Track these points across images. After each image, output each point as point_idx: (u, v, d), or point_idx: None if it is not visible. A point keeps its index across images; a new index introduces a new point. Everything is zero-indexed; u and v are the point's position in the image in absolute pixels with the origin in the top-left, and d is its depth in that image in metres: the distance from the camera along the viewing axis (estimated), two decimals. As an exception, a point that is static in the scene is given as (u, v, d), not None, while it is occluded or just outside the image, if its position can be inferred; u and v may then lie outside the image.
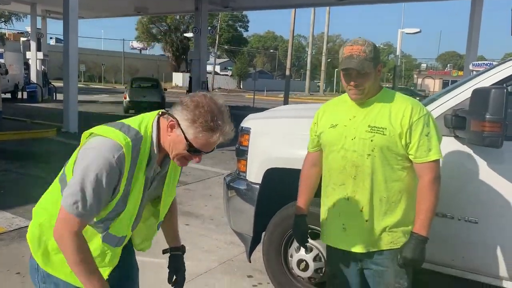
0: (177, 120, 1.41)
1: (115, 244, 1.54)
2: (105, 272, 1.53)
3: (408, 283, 1.96)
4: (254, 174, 3.18)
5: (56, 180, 1.57)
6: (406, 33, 25.25)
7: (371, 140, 1.90)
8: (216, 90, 43.93)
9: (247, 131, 3.25)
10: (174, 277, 1.88)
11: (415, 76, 54.33)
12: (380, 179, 1.91)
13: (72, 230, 1.37)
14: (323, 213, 2.13)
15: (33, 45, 20.60)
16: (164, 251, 1.93)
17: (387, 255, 1.94)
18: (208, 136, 1.40)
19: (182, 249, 1.95)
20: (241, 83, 53.11)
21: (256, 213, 3.15)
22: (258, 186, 3.14)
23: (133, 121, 1.48)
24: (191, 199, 5.66)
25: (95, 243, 1.51)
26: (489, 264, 2.48)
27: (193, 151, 1.43)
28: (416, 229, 1.90)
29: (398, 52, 27.08)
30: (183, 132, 1.40)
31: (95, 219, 1.47)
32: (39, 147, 8.74)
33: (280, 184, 3.18)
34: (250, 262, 3.38)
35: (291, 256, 3.00)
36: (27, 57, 21.15)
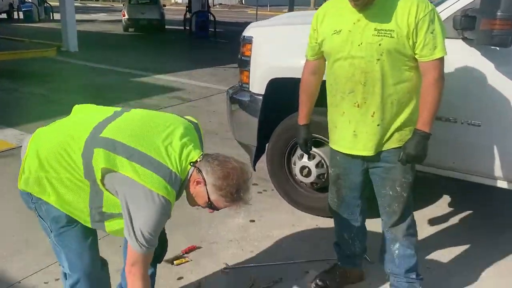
0: (205, 182, 1.55)
1: (95, 226, 1.69)
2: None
3: (412, 177, 2.03)
4: (257, 85, 3.15)
5: (82, 179, 1.59)
6: None
7: (379, 44, 1.83)
8: (217, 6, 42.17)
9: (249, 40, 3.16)
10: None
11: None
12: (390, 82, 1.88)
13: (144, 266, 1.61)
14: (332, 122, 2.11)
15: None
16: None
17: (395, 153, 1.98)
18: (228, 204, 1.59)
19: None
20: (243, -1, 50.75)
21: (260, 123, 3.17)
22: (261, 97, 3.13)
23: (171, 160, 1.56)
24: (195, 116, 5.65)
25: (82, 207, 1.64)
26: (490, 166, 2.54)
27: (210, 207, 1.62)
28: (419, 126, 1.91)
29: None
30: (207, 192, 1.57)
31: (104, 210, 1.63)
32: (40, 66, 8.63)
33: (284, 94, 3.16)
34: (255, 170, 3.47)
35: (294, 164, 3.07)
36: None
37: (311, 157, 2.96)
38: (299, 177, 3.03)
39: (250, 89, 3.22)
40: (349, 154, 2.06)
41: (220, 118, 5.53)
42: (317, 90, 2.20)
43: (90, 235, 1.73)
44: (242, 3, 48.94)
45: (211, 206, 1.60)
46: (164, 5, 17.65)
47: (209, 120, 5.52)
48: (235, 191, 1.53)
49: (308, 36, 3.14)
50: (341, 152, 2.11)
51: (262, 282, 2.38)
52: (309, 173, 2.95)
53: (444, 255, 2.68)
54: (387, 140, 1.97)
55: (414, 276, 2.16)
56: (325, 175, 2.96)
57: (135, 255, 1.56)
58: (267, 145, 3.28)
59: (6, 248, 2.66)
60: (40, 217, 1.68)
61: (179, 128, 1.64)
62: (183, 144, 1.59)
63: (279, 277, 2.43)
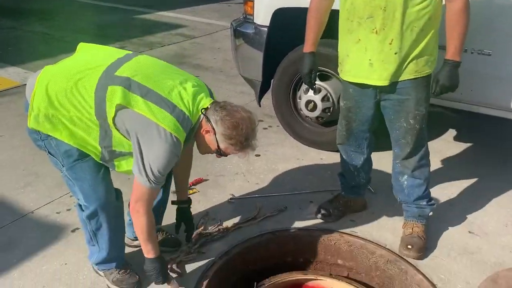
0: (214, 131, 1.61)
1: (105, 163, 1.73)
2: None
3: (426, 109, 2.01)
4: (262, 15, 3.05)
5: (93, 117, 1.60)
6: None
7: None
8: None
9: None
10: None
11: None
12: (412, 8, 1.80)
13: (149, 201, 1.66)
14: (344, 50, 2.03)
15: None
16: (173, 202, 2.08)
17: (409, 84, 1.93)
18: (238, 151, 1.65)
19: (189, 201, 2.09)
20: None
21: (265, 57, 3.10)
22: (266, 29, 3.04)
23: (183, 103, 1.59)
24: (199, 52, 5.59)
25: (93, 144, 1.66)
26: (499, 96, 2.49)
27: (219, 154, 1.69)
28: (449, 56, 1.88)
29: None
30: (217, 141, 1.64)
31: (114, 148, 1.66)
32: (41, 4, 8.39)
33: (290, 25, 3.06)
34: (260, 106, 3.46)
35: (300, 98, 3.04)
36: None
37: (316, 90, 2.92)
38: (304, 111, 3.01)
39: (254, 21, 3.12)
40: (362, 85, 2.00)
41: (224, 55, 5.42)
42: (327, 16, 2.10)
43: (102, 166, 1.76)
44: None
45: (220, 153, 1.68)
46: None
47: (213, 57, 5.43)
48: (244, 140, 1.61)
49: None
50: (353, 84, 2.04)
51: (267, 211, 2.45)
52: (314, 107, 2.93)
53: (447, 187, 2.71)
54: (403, 70, 1.91)
55: (424, 203, 2.21)
56: (331, 109, 2.94)
57: (141, 191, 1.60)
58: (272, 81, 3.24)
59: (17, 181, 2.73)
60: (51, 154, 1.70)
61: (191, 79, 1.69)
62: (196, 91, 1.63)
63: (283, 206, 2.49)
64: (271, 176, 2.83)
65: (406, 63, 1.90)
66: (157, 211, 2.10)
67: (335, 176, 2.73)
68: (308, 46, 2.16)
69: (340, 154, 2.37)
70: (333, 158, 3.04)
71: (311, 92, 2.93)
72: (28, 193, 2.61)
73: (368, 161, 2.34)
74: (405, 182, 2.18)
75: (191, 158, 2.04)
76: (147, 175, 1.56)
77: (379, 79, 1.93)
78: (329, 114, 2.95)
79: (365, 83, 1.99)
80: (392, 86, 1.95)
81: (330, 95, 2.90)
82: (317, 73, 2.27)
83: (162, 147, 1.53)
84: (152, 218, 1.71)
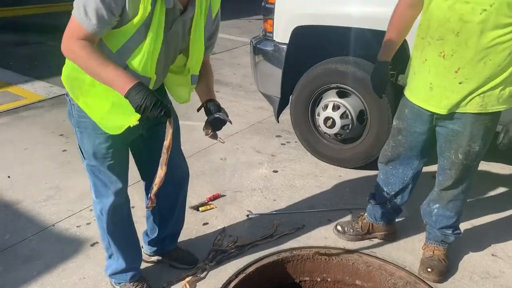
0: None
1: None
2: (132, 119, 1.52)
3: (480, 148, 1.85)
4: (281, 33, 3.07)
5: None
6: None
7: None
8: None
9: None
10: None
11: None
12: (489, 39, 1.63)
13: (78, 38, 1.40)
14: (412, 67, 1.91)
15: None
16: (199, 109, 1.80)
17: (469, 117, 1.79)
18: None
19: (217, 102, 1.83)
20: None
21: (284, 73, 3.12)
22: (285, 46, 3.07)
23: None
24: (219, 68, 5.65)
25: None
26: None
27: None
28: None
29: None
30: None
31: (113, 51, 1.45)
32: (67, 20, 8.66)
33: (309, 43, 3.10)
34: (278, 122, 3.47)
35: (318, 115, 3.04)
36: None
37: (335, 107, 2.92)
38: (323, 128, 3.01)
39: (274, 38, 3.15)
40: (419, 108, 1.88)
41: (244, 71, 5.47)
42: (410, 26, 1.94)
43: (121, 171, 1.77)
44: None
45: None
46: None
47: (233, 73, 5.48)
48: None
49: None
50: (411, 104, 1.92)
51: (284, 229, 2.43)
52: (333, 124, 2.92)
53: (468, 207, 2.65)
54: (466, 102, 1.76)
55: (450, 231, 2.12)
56: (350, 126, 2.92)
57: (72, 25, 1.43)
58: (291, 97, 3.25)
59: (39, 194, 2.78)
60: (77, 137, 1.71)
61: None
62: None
63: (301, 224, 2.48)
64: (288, 193, 2.82)
65: (471, 96, 1.75)
66: (172, 234, 2.13)
67: (354, 194, 2.71)
68: (384, 54, 2.01)
69: (378, 174, 2.25)
70: (351, 175, 3.02)
71: (330, 108, 2.93)
72: (50, 206, 2.66)
73: (408, 192, 2.18)
74: (436, 210, 2.10)
75: (211, 71, 1.88)
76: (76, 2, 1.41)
77: (437, 106, 1.81)
78: (347, 131, 2.94)
79: (422, 106, 1.88)
80: (451, 115, 1.82)
81: (349, 112, 2.89)
82: (389, 80, 2.10)
83: None
84: (94, 47, 1.42)
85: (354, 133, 2.97)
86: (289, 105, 3.30)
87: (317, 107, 3.09)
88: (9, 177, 2.98)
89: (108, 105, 1.54)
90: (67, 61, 1.58)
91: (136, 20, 1.39)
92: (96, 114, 1.57)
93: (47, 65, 5.45)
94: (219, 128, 1.76)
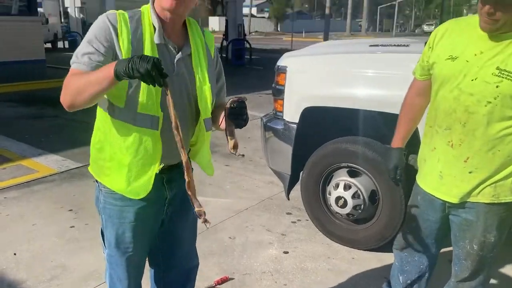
0: None
1: (150, 124, 1.49)
2: (153, 169, 1.52)
3: (496, 239, 1.78)
4: (291, 113, 3.15)
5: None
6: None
7: (497, 86, 1.58)
8: (253, 33, 43.05)
9: (283, 70, 3.18)
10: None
11: (465, 11, 50.84)
12: (496, 130, 1.63)
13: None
14: (422, 154, 1.90)
15: (69, -6, 20.68)
16: (220, 123, 1.58)
17: (482, 207, 1.74)
18: None
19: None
20: (279, 25, 51.72)
21: (294, 152, 3.15)
22: (295, 126, 3.13)
23: None
24: (230, 141, 5.73)
25: (131, 135, 1.50)
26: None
27: None
28: None
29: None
30: None
31: (120, 105, 1.48)
32: (83, 94, 9.01)
33: (318, 123, 3.15)
34: (288, 199, 3.44)
35: (329, 194, 3.01)
36: (66, 5, 21.34)
37: (346, 187, 2.90)
38: (334, 207, 2.97)
39: (284, 117, 3.22)
40: (431, 195, 1.85)
41: (254, 145, 5.54)
42: (421, 114, 1.96)
43: (140, 264, 1.74)
44: (278, 30, 49.83)
45: None
46: (202, 33, 18.12)
47: (244, 146, 5.54)
48: None
49: (339, 65, 3.09)
50: (423, 191, 1.89)
51: (295, 317, 2.31)
52: (344, 204, 2.88)
53: None
54: (478, 191, 1.72)
55: None
56: (362, 206, 2.88)
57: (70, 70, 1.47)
58: (301, 173, 3.25)
59: (45, 273, 2.71)
60: (102, 223, 1.69)
61: None
62: None
63: (313, 313, 2.36)
64: (300, 277, 2.71)
65: (482, 185, 1.71)
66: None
67: (368, 279, 2.60)
68: (396, 141, 2.00)
69: (394, 260, 2.15)
70: (365, 257, 2.92)
71: (341, 187, 2.91)
72: (54, 286, 2.58)
73: (425, 281, 2.06)
74: None
75: None
76: (74, 55, 1.45)
77: (448, 194, 1.78)
78: (360, 211, 2.89)
79: (433, 194, 1.84)
80: (463, 204, 1.77)
81: (361, 192, 2.86)
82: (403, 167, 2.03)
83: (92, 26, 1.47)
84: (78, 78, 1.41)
85: (366, 213, 2.92)
86: (299, 182, 3.29)
87: (328, 185, 3.07)
88: (15, 254, 2.93)
89: (125, 168, 1.53)
90: (91, 147, 1.63)
91: (126, 55, 1.42)
92: (121, 184, 1.55)
93: (61, 139, 5.59)
94: (241, 122, 1.50)
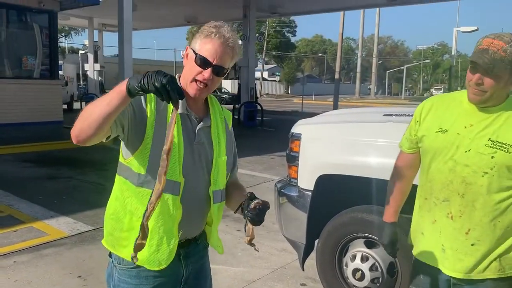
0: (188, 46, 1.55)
1: (172, 189, 1.49)
2: (175, 236, 1.51)
3: None
4: (306, 180, 3.13)
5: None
6: (462, 32, 24.12)
7: (492, 157, 1.60)
8: (264, 96, 44.14)
9: (297, 137, 3.21)
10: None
11: (472, 75, 51.82)
12: (496, 201, 1.62)
13: None
14: (418, 227, 1.85)
15: (90, 57, 21.70)
16: (236, 209, 1.60)
17: (489, 284, 1.69)
18: (209, 39, 1.48)
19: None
20: (289, 88, 53.14)
21: (309, 220, 3.09)
22: (310, 193, 3.09)
23: None
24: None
25: None
26: None
27: (201, 61, 1.48)
28: None
29: (453, 52, 25.90)
30: (192, 49, 1.52)
31: (142, 172, 1.48)
32: (98, 155, 9.13)
33: (333, 191, 3.12)
34: (303, 270, 3.32)
35: (346, 265, 2.91)
36: (85, 68, 22.26)
37: (363, 258, 2.80)
38: (351, 280, 2.85)
39: (298, 184, 3.20)
40: (435, 270, 1.78)
41: (266, 209, 5.47)
42: (410, 187, 1.96)
43: None
44: (288, 93, 51.12)
45: (201, 58, 1.47)
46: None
47: (255, 211, 5.47)
48: (208, 27, 1.51)
49: (354, 134, 3.10)
50: (425, 266, 1.82)
51: None
52: (362, 277, 2.78)
53: None
54: (483, 267, 1.67)
55: None
56: (380, 280, 2.77)
57: None
58: (316, 241, 3.17)
59: None
60: None
61: None
62: None
63: None
64: None
65: (488, 259, 1.66)
66: None
67: None
68: (390, 215, 1.98)
69: None
70: (385, 335, 2.76)
71: (358, 259, 2.82)
72: None
73: None
74: None
75: (241, 186, 1.79)
76: None
77: (452, 269, 1.71)
78: (378, 285, 2.78)
79: (437, 267, 1.77)
80: (468, 279, 1.71)
81: (379, 264, 2.77)
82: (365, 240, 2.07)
83: None
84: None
85: (385, 286, 2.80)
86: (315, 252, 3.20)
87: (344, 256, 2.98)
88: (19, 325, 2.83)
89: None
90: (105, 219, 1.61)
91: (149, 120, 1.46)
92: (142, 253, 1.46)
93: (74, 201, 5.59)
94: (258, 223, 1.52)
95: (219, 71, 1.50)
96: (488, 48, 1.55)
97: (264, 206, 1.48)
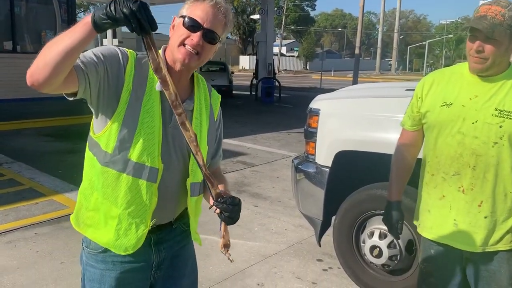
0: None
1: (147, 176, 1.35)
2: (146, 223, 1.38)
3: None
4: (324, 157, 3.08)
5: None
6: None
7: (500, 126, 1.59)
8: (282, 71, 43.71)
9: (316, 112, 3.14)
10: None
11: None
12: (508, 171, 1.62)
13: None
14: (425, 204, 1.84)
15: (109, 32, 21.62)
16: (210, 207, 1.44)
17: (502, 255, 1.68)
18: (199, 3, 1.34)
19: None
20: (308, 64, 52.45)
21: (326, 197, 3.06)
22: (327, 169, 3.05)
23: None
24: (258, 181, 5.68)
25: (123, 185, 1.36)
26: None
27: (190, 23, 1.32)
28: None
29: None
30: (180, 16, 1.36)
31: (109, 151, 1.34)
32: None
33: (351, 167, 3.07)
34: (320, 246, 3.31)
35: (364, 242, 2.88)
36: (104, 44, 22.29)
37: (382, 235, 2.76)
38: (368, 257, 2.82)
39: (316, 160, 3.15)
40: (446, 246, 1.76)
41: (283, 185, 5.46)
42: (413, 165, 1.94)
43: None
44: (307, 69, 50.53)
45: (189, 21, 1.32)
46: (233, 72, 18.60)
47: (272, 186, 5.47)
48: None
49: (373, 109, 3.02)
50: (436, 244, 1.80)
51: None
52: (380, 254, 2.74)
53: None
54: (496, 238, 1.67)
55: None
56: (398, 257, 2.73)
57: None
58: (333, 218, 3.14)
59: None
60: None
61: None
62: None
63: None
64: (332, 331, 2.56)
65: (500, 231, 1.66)
66: None
67: (406, 337, 2.42)
68: (394, 194, 1.96)
69: None
70: (401, 312, 2.75)
71: (376, 236, 2.78)
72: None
73: None
74: None
75: (223, 178, 1.62)
76: None
77: (466, 243, 1.70)
78: (396, 262, 2.74)
79: (449, 244, 1.75)
80: (482, 252, 1.70)
81: (397, 241, 2.72)
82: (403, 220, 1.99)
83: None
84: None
85: (403, 264, 2.76)
86: (332, 229, 3.18)
87: (362, 233, 2.94)
88: (41, 294, 2.90)
89: (114, 220, 1.38)
90: (78, 193, 1.50)
91: (124, 93, 1.31)
92: (108, 236, 1.39)
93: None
94: (226, 218, 1.36)
95: (210, 38, 1.34)
96: (486, 14, 1.56)
97: (233, 201, 1.34)
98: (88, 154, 1.45)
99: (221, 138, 1.62)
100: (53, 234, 3.84)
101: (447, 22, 57.96)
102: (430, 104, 1.76)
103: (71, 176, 5.53)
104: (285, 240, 3.85)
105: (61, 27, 11.44)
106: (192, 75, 1.49)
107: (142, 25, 1.10)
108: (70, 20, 11.70)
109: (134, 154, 1.35)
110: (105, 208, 1.41)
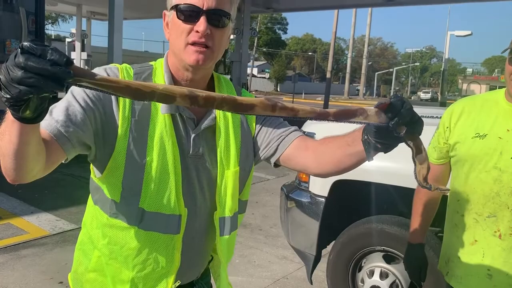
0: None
1: (165, 226, 1.07)
2: (167, 282, 1.10)
3: None
4: (319, 185, 2.83)
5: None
6: (456, 36, 24.04)
7: None
8: (253, 92, 43.84)
9: (310, 137, 2.91)
10: None
11: (459, 81, 52.49)
12: None
13: None
14: (454, 249, 1.61)
15: (77, 45, 21.08)
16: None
17: None
18: None
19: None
20: (278, 86, 52.90)
21: (321, 229, 2.80)
22: (323, 200, 2.80)
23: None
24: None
25: (136, 242, 1.08)
26: None
27: (186, 10, 1.00)
28: None
29: (446, 56, 25.56)
30: (170, 8, 1.05)
31: (116, 199, 1.06)
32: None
33: (349, 198, 2.84)
34: (311, 283, 3.03)
35: (362, 282, 2.63)
36: (72, 57, 21.65)
37: (383, 275, 2.53)
38: (368, 299, 2.57)
39: (310, 189, 2.90)
40: None
41: (263, 211, 5.19)
42: (438, 201, 1.75)
43: None
44: (277, 90, 50.98)
45: (183, 9, 1.00)
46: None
47: (251, 212, 5.18)
48: None
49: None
50: None
51: None
52: (381, 296, 2.50)
53: None
54: None
55: None
56: (401, 299, 2.49)
57: None
58: (328, 256, 2.88)
59: None
60: None
61: None
62: None
63: None
64: None
65: None
66: None
67: None
68: (416, 236, 1.75)
69: None
70: None
71: (376, 276, 2.54)
72: None
73: None
74: None
75: None
76: None
77: None
78: (399, 305, 2.50)
79: None
80: None
81: (400, 282, 2.49)
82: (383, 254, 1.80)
83: None
84: None
85: (406, 307, 2.53)
86: (326, 267, 2.91)
87: (359, 271, 2.69)
88: None
89: (126, 285, 1.11)
90: (75, 249, 1.24)
91: (120, 131, 1.01)
92: None
93: (57, 196, 5.22)
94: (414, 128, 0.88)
95: (217, 19, 1.01)
96: None
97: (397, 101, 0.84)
98: (90, 202, 1.17)
99: (281, 122, 1.23)
100: (9, 264, 3.40)
101: (413, 51, 60.16)
102: (460, 135, 1.55)
103: (32, 197, 5.06)
104: (269, 274, 3.55)
105: (26, 37, 10.90)
106: (212, 79, 1.17)
107: (57, 76, 0.66)
108: (38, 32, 11.18)
109: (147, 202, 1.04)
110: (112, 270, 1.11)
